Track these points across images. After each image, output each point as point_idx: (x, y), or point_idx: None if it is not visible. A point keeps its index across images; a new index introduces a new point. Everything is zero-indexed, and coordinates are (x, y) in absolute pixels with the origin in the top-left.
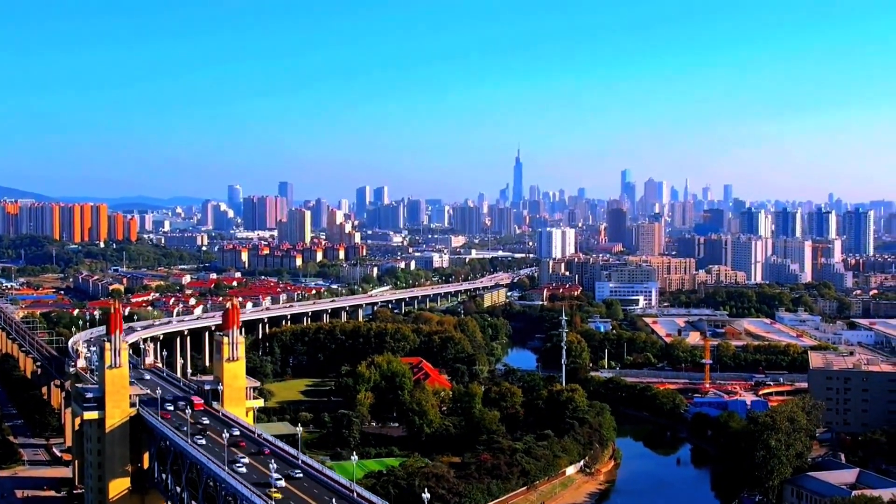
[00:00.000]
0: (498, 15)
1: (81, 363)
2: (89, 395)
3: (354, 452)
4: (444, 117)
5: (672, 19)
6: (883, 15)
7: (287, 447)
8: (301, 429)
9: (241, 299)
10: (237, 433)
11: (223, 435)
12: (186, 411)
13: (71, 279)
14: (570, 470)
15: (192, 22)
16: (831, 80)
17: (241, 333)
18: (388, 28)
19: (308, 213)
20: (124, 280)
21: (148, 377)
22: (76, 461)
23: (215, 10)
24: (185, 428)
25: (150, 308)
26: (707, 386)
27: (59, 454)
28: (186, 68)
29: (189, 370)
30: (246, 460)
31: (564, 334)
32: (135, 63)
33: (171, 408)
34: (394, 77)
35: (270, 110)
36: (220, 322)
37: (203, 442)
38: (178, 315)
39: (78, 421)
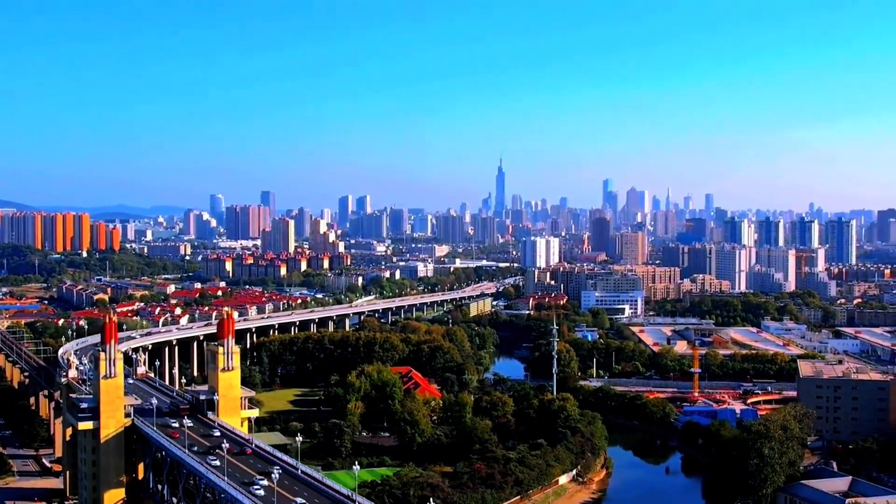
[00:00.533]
0: (479, 35)
1: (73, 373)
2: (84, 405)
3: (356, 462)
4: (425, 128)
5: (656, 38)
6: (855, 34)
7: (285, 457)
8: (300, 438)
9: (227, 309)
10: (217, 434)
11: (222, 445)
12: (184, 421)
13: (54, 289)
14: (563, 479)
15: (183, 42)
16: (814, 93)
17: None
18: (372, 47)
19: (291, 223)
20: (108, 290)
21: (139, 386)
22: (67, 472)
23: (201, 33)
24: (195, 446)
25: (135, 318)
26: (696, 395)
27: (48, 465)
28: (168, 88)
29: (183, 379)
30: (264, 482)
31: (555, 343)
32: (117, 82)
33: (177, 424)
34: (376, 93)
35: (250, 123)
36: (208, 332)
37: (217, 463)
38: (164, 325)
39: (69, 431)
